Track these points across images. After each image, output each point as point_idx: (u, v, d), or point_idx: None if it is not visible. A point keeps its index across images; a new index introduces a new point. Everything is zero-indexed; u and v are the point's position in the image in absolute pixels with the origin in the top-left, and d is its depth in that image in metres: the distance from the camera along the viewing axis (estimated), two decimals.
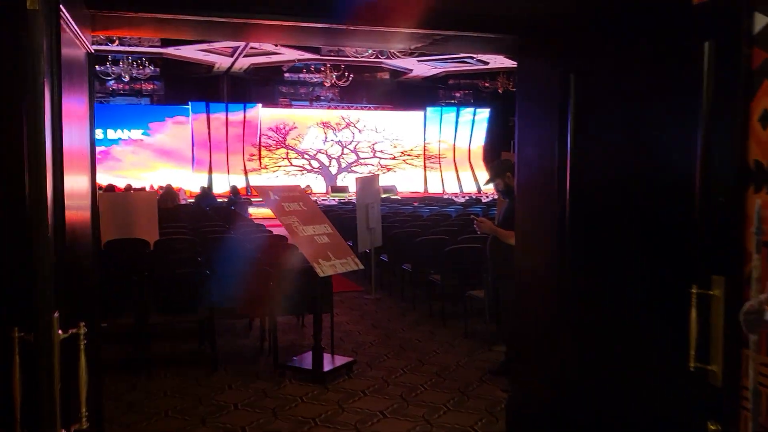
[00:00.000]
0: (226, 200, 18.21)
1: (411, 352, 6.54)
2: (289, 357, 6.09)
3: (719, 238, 2.32)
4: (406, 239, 9.17)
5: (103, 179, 22.33)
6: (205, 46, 20.38)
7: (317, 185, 26.84)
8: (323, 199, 22.75)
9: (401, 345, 6.81)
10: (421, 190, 28.03)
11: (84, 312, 2.70)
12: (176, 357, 6.40)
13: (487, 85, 26.17)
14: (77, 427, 2.08)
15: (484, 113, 28.58)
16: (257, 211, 17.56)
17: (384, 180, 24.01)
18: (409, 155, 28.61)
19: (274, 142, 26.74)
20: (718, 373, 2.30)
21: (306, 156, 27.28)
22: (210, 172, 25.43)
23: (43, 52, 1.91)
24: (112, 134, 24.67)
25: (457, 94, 29.65)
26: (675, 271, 2.57)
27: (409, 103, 27.80)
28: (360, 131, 27.81)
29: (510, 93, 24.28)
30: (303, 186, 22.81)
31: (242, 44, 19.86)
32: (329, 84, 24.29)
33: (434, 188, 28.28)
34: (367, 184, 9.90)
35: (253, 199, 18.86)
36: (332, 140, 27.53)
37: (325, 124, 27.37)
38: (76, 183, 2.56)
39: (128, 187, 19.48)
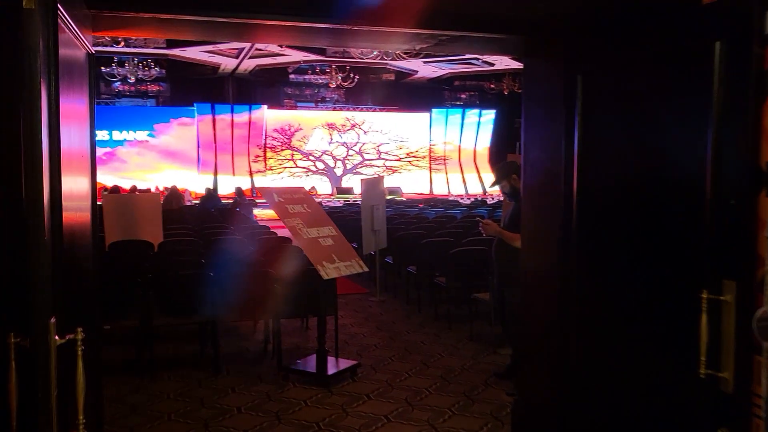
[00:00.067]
0: (231, 202, 18.20)
1: (416, 355, 6.49)
2: (293, 360, 6.05)
3: (730, 241, 2.27)
4: (411, 241, 9.14)
5: (108, 180, 22.40)
6: (210, 47, 20.40)
7: (322, 187, 26.85)
8: (328, 201, 22.73)
9: (406, 348, 6.77)
10: (427, 191, 28.01)
11: (83, 316, 2.67)
12: (179, 359, 6.37)
13: (492, 86, 26.16)
14: None
15: (489, 115, 28.55)
16: (262, 213, 17.55)
17: (389, 181, 24.00)
18: (414, 157, 28.60)
19: (279, 144, 26.75)
20: (730, 379, 2.26)
21: (311, 157, 27.29)
22: (215, 173, 25.46)
23: (40, 52, 1.88)
24: (117, 135, 24.71)
25: (463, 96, 29.62)
26: (685, 275, 2.52)
27: (415, 105, 27.77)
28: (365, 133, 27.80)
29: (516, 94, 24.24)
30: (308, 187, 22.88)
31: (247, 46, 19.87)
32: (334, 85, 24.30)
33: (439, 190, 28.26)
34: (372, 185, 9.87)
35: (258, 201, 18.87)
36: (337, 142, 27.54)
37: (331, 126, 27.37)
38: (75, 184, 2.53)
39: (133, 189, 19.49)
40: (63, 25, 2.25)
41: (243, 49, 20.51)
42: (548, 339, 3.64)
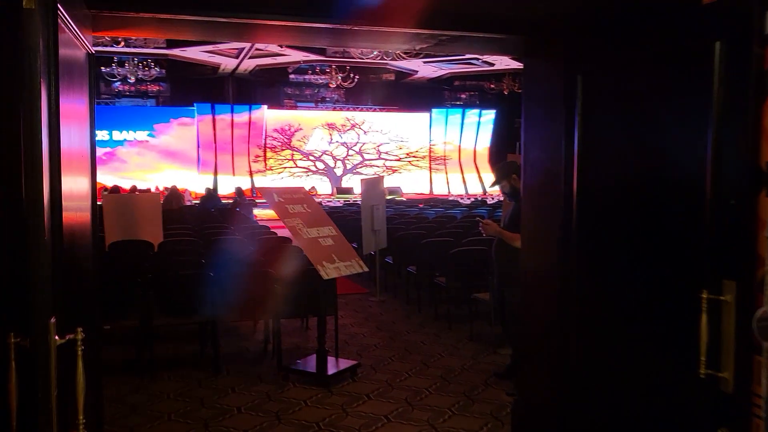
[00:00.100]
0: (231, 202, 18.20)
1: (416, 355, 6.49)
2: (293, 360, 6.05)
3: (730, 241, 2.27)
4: (411, 241, 9.13)
5: (108, 180, 22.39)
6: (210, 47, 20.40)
7: (322, 187, 26.84)
8: (328, 201, 22.73)
9: (406, 348, 6.76)
10: (427, 191, 28.01)
11: (83, 316, 2.67)
12: (179, 359, 6.37)
13: (492, 86, 26.16)
14: None
15: (489, 115, 28.55)
16: (262, 213, 17.55)
17: (389, 181, 23.99)
18: (414, 157, 28.59)
19: (280, 144, 26.75)
20: (730, 379, 2.26)
21: (311, 157, 27.28)
22: (215, 173, 25.45)
23: (40, 52, 1.88)
24: (117, 135, 24.71)
25: (463, 96, 29.62)
26: (685, 275, 2.52)
27: (415, 105, 27.77)
28: (365, 133, 27.80)
29: (515, 94, 24.24)
30: (308, 188, 22.88)
31: (247, 46, 19.88)
32: (334, 85, 24.30)
33: (439, 190, 28.25)
34: (372, 185, 9.86)
35: (258, 201, 18.86)
36: (337, 142, 27.53)
37: (331, 126, 27.36)
38: (75, 184, 2.53)
39: (133, 189, 19.49)
40: (63, 25, 2.25)
41: (243, 49, 20.51)
42: (548, 339, 3.64)
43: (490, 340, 6.78)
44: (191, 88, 25.07)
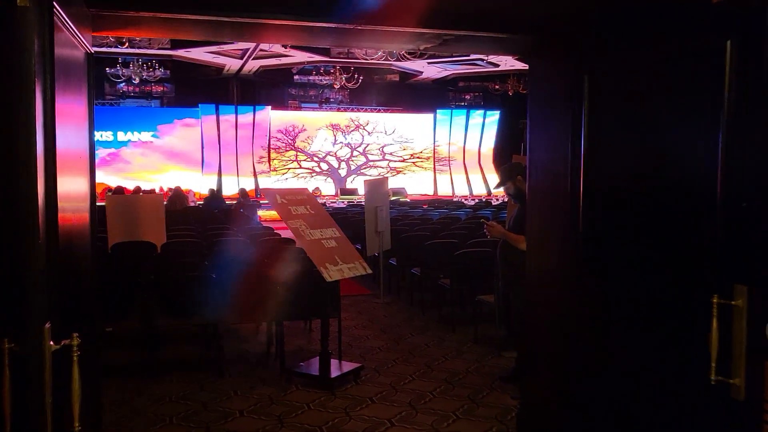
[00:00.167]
0: (235, 202, 18.18)
1: (420, 358, 6.44)
2: (296, 362, 6.01)
3: (742, 245, 2.22)
4: (415, 243, 9.08)
5: (112, 181, 22.42)
6: (214, 48, 20.39)
7: (326, 188, 26.80)
8: (332, 202, 22.69)
9: (410, 350, 6.72)
10: (431, 192, 27.94)
11: (81, 320, 2.63)
12: (182, 361, 6.33)
13: (497, 87, 26.08)
14: None
15: (494, 116, 28.47)
16: (266, 214, 17.54)
17: (393, 182, 23.96)
18: (418, 158, 28.53)
19: (284, 145, 26.72)
20: (741, 386, 2.20)
21: (315, 158, 27.25)
22: (219, 174, 25.42)
23: (35, 51, 1.84)
24: (121, 136, 24.71)
25: (467, 97, 29.56)
26: (694, 279, 2.47)
27: (419, 106, 27.72)
28: (369, 133, 27.75)
29: (520, 95, 24.18)
30: (312, 188, 22.87)
31: (251, 47, 19.85)
32: (339, 86, 24.25)
33: (444, 191, 28.17)
34: (376, 186, 9.82)
35: (262, 202, 18.83)
36: (341, 142, 27.49)
37: (335, 127, 27.32)
38: (73, 185, 2.49)
39: (137, 189, 19.48)
40: (60, 24, 2.21)
41: (247, 50, 20.48)
42: (553, 342, 3.59)
43: (495, 342, 6.73)
44: (195, 89, 25.06)
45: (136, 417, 4.95)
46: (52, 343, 1.89)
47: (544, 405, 3.82)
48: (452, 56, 21.17)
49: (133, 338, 6.18)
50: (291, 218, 5.89)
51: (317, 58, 22.48)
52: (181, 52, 21.13)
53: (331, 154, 27.42)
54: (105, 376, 5.54)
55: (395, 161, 28.20)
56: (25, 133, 1.81)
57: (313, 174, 27.19)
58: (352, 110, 27.70)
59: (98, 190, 20.85)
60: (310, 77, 25.79)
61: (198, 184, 24.38)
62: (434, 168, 28.68)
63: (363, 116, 27.67)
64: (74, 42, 2.56)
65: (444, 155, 28.68)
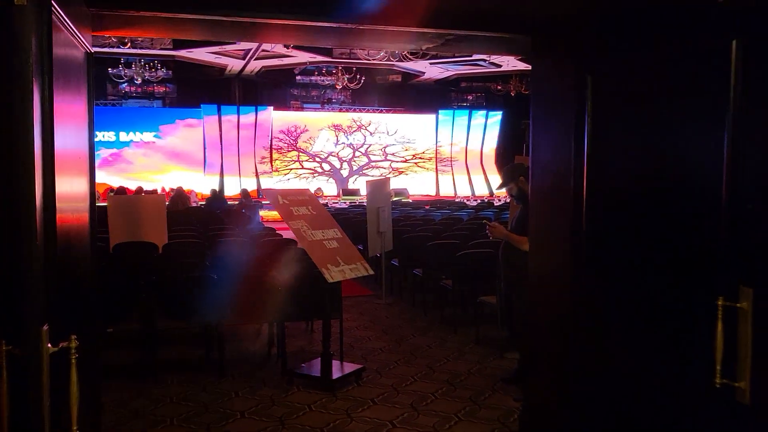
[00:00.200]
0: (236, 203, 18.16)
1: (421, 359, 6.42)
2: (298, 363, 5.99)
3: (747, 247, 2.19)
4: (417, 243, 9.06)
5: (114, 181, 22.43)
6: (216, 48, 20.40)
7: (328, 188, 26.80)
8: (334, 202, 22.68)
9: (412, 351, 6.69)
10: (433, 193, 27.94)
11: (80, 321, 2.61)
12: (183, 362, 6.31)
13: (499, 87, 26.09)
14: None
15: (496, 116, 28.45)
16: (268, 214, 17.52)
17: (395, 183, 23.96)
18: (420, 158, 28.53)
19: (286, 145, 26.72)
20: (746, 390, 2.18)
21: (317, 159, 27.24)
22: (221, 174, 25.43)
23: (32, 50, 1.82)
24: (124, 137, 24.73)
25: (470, 97, 29.56)
26: (699, 281, 2.44)
27: (421, 106, 27.72)
28: (371, 134, 27.75)
29: (523, 96, 24.17)
30: (314, 189, 22.85)
31: (254, 47, 19.86)
32: (341, 87, 24.25)
33: (446, 191, 28.16)
34: (378, 187, 9.81)
35: (264, 202, 18.82)
36: (343, 143, 27.49)
37: (337, 127, 27.32)
38: (72, 185, 2.47)
39: (139, 190, 19.49)
40: (59, 23, 2.19)
41: (249, 50, 20.49)
42: (556, 344, 3.56)
43: (497, 344, 6.69)
44: (198, 90, 25.09)
45: (137, 418, 4.93)
46: (50, 345, 1.87)
47: (546, 407, 3.79)
48: (454, 57, 21.16)
49: (134, 339, 6.16)
50: (292, 219, 5.87)
51: (319, 58, 22.48)
52: (183, 53, 21.15)
53: (333, 154, 27.42)
54: (105, 377, 5.54)
55: (397, 162, 28.20)
56: (22, 133, 1.79)
57: (315, 174, 27.19)
58: (354, 111, 27.71)
59: (100, 191, 20.97)
60: (312, 78, 25.80)
61: (200, 184, 24.39)
62: (436, 168, 28.67)
63: (365, 117, 27.68)
64: (73, 41, 2.54)
65: (446, 156, 28.67)
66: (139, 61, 21.25)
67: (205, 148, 25.36)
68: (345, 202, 22.59)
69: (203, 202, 19.03)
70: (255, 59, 21.97)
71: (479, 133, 28.58)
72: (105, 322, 5.59)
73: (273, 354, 6.43)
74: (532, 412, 4.08)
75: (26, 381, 1.84)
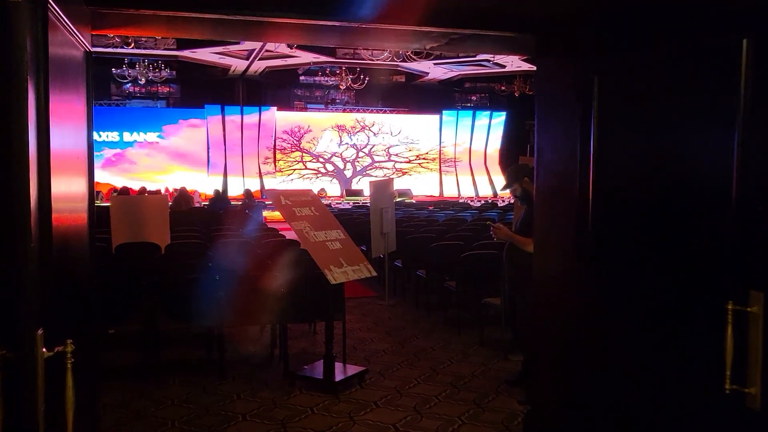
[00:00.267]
0: (240, 204, 18.14)
1: (425, 361, 6.37)
2: (300, 365, 5.95)
3: (758, 250, 2.14)
4: (420, 244, 9.01)
5: (118, 182, 22.43)
6: (220, 48, 20.39)
7: (332, 189, 26.77)
8: (337, 203, 22.64)
9: (415, 353, 6.65)
10: (437, 194, 27.89)
11: (77, 325, 2.57)
12: (185, 364, 6.28)
13: (503, 88, 26.04)
14: None
15: (500, 117, 28.39)
16: (272, 215, 17.49)
17: (399, 184, 23.90)
18: (424, 159, 28.48)
19: (289, 145, 26.70)
20: (757, 395, 2.13)
21: (321, 159, 27.22)
22: (225, 175, 25.41)
23: (27, 48, 1.78)
24: (127, 137, 24.73)
25: (473, 98, 29.52)
26: (708, 284, 2.39)
27: (425, 107, 27.69)
28: (375, 134, 27.72)
29: (526, 96, 24.13)
30: (317, 189, 22.83)
31: (257, 47, 19.84)
32: (344, 87, 24.22)
33: (450, 192, 28.10)
34: (381, 188, 9.77)
35: (267, 203, 18.78)
36: (347, 143, 27.46)
37: (340, 128, 27.29)
38: (69, 186, 2.43)
39: (142, 190, 19.48)
40: (56, 21, 2.16)
41: (253, 50, 20.47)
42: (561, 346, 3.52)
43: (502, 346, 6.65)
44: (201, 90, 25.09)
45: (138, 420, 4.90)
46: (45, 350, 1.83)
47: (549, 409, 3.74)
48: (458, 57, 21.12)
49: (136, 340, 6.12)
50: (295, 220, 5.83)
51: (323, 58, 22.46)
52: (186, 53, 21.14)
53: (336, 155, 27.39)
54: (106, 378, 5.52)
55: (401, 162, 28.15)
56: (17, 132, 1.75)
57: (318, 175, 27.16)
58: (358, 111, 27.67)
59: (104, 191, 20.92)
60: (316, 78, 25.76)
61: (203, 184, 24.38)
62: (440, 169, 28.62)
63: (369, 117, 27.65)
64: (72, 40, 2.51)
65: (450, 156, 28.62)
66: (143, 62, 21.24)
67: (208, 149, 25.35)
68: (348, 203, 22.55)
69: (206, 203, 19.01)
70: (259, 59, 21.95)
71: (483, 133, 28.53)
72: (106, 323, 5.56)
73: (275, 356, 6.39)
74: (537, 415, 4.03)
75: (20, 387, 1.80)
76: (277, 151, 26.43)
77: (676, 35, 2.60)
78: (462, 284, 7.51)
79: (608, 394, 3.01)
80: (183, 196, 17.28)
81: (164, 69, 22.12)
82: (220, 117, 25.31)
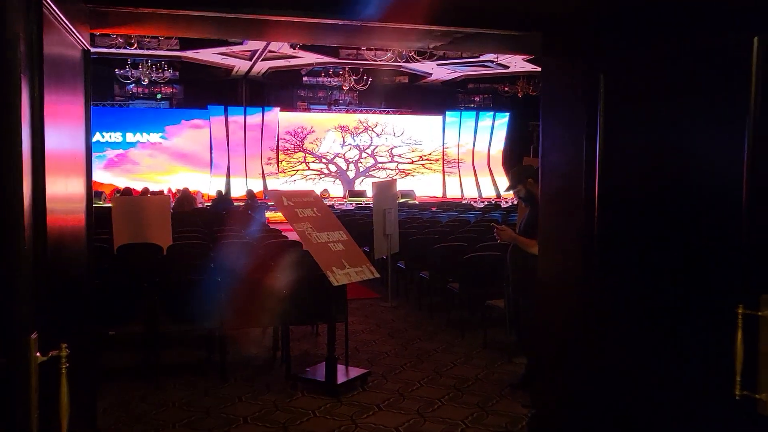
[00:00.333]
0: (243, 204, 18.11)
1: (428, 364, 6.32)
2: (302, 368, 5.90)
3: None
4: (423, 246, 8.97)
5: (120, 182, 22.43)
6: (223, 49, 20.38)
7: (335, 189, 26.74)
8: (340, 204, 22.60)
9: (418, 356, 6.60)
10: (440, 195, 27.85)
11: (73, 328, 2.53)
12: (186, 366, 6.23)
13: (507, 89, 25.99)
14: None
15: (504, 118, 28.36)
16: (275, 216, 17.46)
17: (402, 185, 23.87)
18: (427, 160, 28.45)
19: (292, 146, 26.68)
20: (767, 401, 2.08)
21: (324, 160, 27.20)
22: (228, 175, 25.40)
23: (20, 46, 1.73)
24: (130, 137, 24.74)
25: (477, 99, 29.47)
26: (718, 288, 2.34)
27: (428, 107, 27.66)
28: (378, 135, 27.69)
29: (530, 97, 24.07)
30: (320, 190, 22.80)
31: (260, 48, 19.82)
32: (347, 88, 24.20)
33: (453, 193, 28.06)
34: (384, 189, 9.72)
35: (269, 204, 18.74)
36: (350, 144, 27.43)
37: (343, 128, 27.27)
38: (66, 186, 2.39)
39: (145, 191, 19.45)
40: (52, 19, 2.12)
41: (256, 51, 20.46)
42: (565, 349, 3.47)
43: (505, 348, 6.59)
44: (204, 91, 25.10)
45: (138, 423, 4.85)
46: (38, 354, 1.79)
47: (554, 412, 3.70)
48: (462, 57, 21.07)
49: (136, 341, 6.08)
50: (297, 221, 5.79)
51: (326, 59, 22.43)
52: (189, 54, 21.13)
53: (339, 155, 27.37)
54: (107, 380, 5.48)
55: (404, 163, 28.12)
56: (9, 130, 1.71)
57: (321, 176, 27.14)
58: (361, 112, 27.65)
59: (107, 191, 20.88)
60: (319, 79, 25.75)
61: (206, 185, 24.37)
62: (443, 170, 28.58)
63: (372, 118, 27.63)
64: (69, 38, 2.47)
65: (453, 157, 28.59)
66: (146, 62, 21.25)
67: (211, 149, 25.35)
68: (351, 204, 22.51)
69: (209, 204, 18.99)
70: (262, 60, 21.93)
71: (486, 134, 28.50)
72: (107, 325, 5.51)
73: (277, 358, 6.34)
74: (541, 419, 3.99)
75: (13, 392, 1.75)
76: (280, 152, 26.42)
77: (684, 33, 2.55)
78: (465, 286, 7.46)
79: (613, 396, 2.97)
80: (186, 197, 17.26)
81: (167, 70, 22.13)
82: (223, 118, 25.31)
